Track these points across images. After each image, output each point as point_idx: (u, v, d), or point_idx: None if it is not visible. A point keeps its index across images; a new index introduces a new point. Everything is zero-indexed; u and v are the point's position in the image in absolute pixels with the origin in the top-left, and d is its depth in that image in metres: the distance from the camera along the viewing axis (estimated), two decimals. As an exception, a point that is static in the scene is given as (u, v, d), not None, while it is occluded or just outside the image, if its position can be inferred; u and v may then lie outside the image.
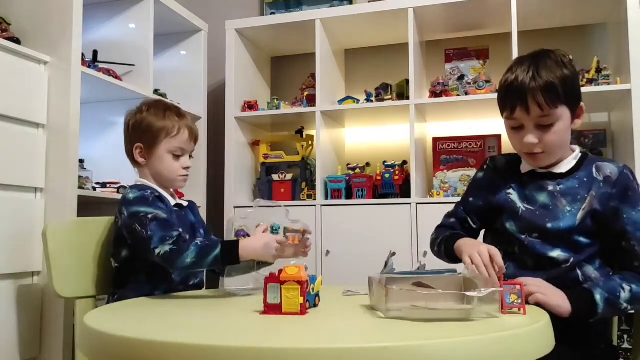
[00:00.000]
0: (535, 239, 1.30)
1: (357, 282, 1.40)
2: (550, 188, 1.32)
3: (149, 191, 1.50)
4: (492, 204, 1.40)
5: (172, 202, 1.57)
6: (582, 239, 1.28)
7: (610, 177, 1.29)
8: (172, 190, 1.62)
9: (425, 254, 2.36)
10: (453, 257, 1.34)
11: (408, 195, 2.51)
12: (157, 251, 1.36)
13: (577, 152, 1.37)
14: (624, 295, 1.19)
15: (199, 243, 1.36)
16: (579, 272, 1.27)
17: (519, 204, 1.34)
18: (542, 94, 1.23)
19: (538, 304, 1.14)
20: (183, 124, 1.56)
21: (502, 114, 1.35)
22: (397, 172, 2.64)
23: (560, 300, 1.17)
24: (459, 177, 2.62)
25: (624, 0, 2.28)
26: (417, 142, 2.55)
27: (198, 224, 1.64)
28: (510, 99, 1.28)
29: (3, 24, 1.99)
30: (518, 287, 1.05)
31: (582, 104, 1.33)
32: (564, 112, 1.27)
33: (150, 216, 1.42)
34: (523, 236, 1.31)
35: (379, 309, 1.04)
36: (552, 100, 1.24)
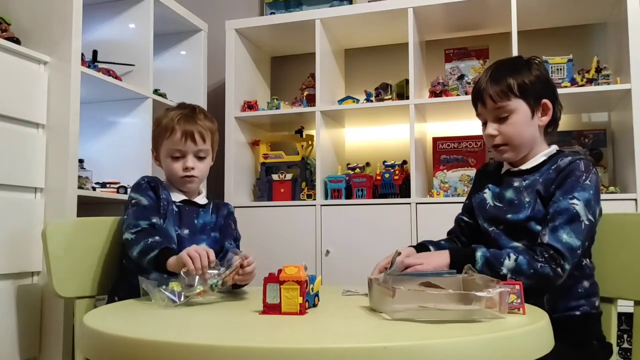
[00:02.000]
0: (501, 230, 1.38)
1: (357, 282, 1.40)
2: (516, 184, 1.40)
3: (146, 179, 1.56)
4: (473, 204, 1.51)
5: (179, 197, 1.58)
6: (538, 227, 1.31)
7: (560, 165, 1.34)
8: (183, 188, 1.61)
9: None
10: None
11: (408, 195, 2.51)
12: (124, 236, 1.45)
13: (551, 149, 1.42)
14: (508, 262, 1.24)
15: (150, 241, 1.39)
16: None
17: (489, 201, 1.44)
18: (494, 87, 1.37)
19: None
20: (178, 126, 1.54)
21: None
22: (397, 172, 2.64)
23: (440, 261, 1.30)
24: (459, 177, 2.62)
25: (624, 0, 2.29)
26: (417, 142, 2.55)
27: (213, 226, 1.61)
28: (473, 98, 1.44)
29: (3, 24, 1.99)
30: (518, 287, 1.05)
31: (545, 101, 1.38)
32: (519, 105, 1.36)
33: (133, 201, 1.50)
34: (490, 229, 1.40)
35: (381, 310, 1.04)
36: (504, 92, 1.36)
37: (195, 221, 1.58)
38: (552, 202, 1.29)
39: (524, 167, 1.41)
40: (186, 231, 1.54)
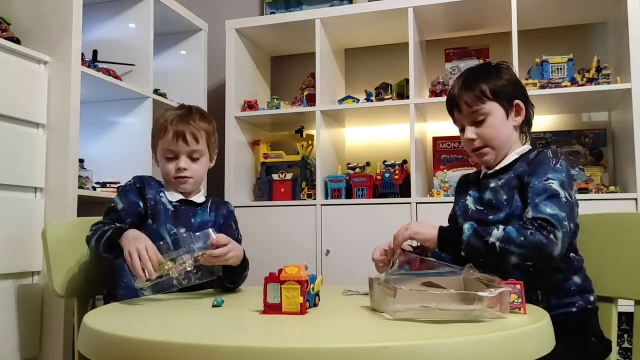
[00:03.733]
0: None
1: (357, 281, 1.40)
2: (492, 185, 1.41)
3: (134, 180, 1.57)
4: (457, 213, 1.53)
5: (176, 197, 1.57)
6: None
7: (529, 157, 1.38)
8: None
9: (429, 253, 2.35)
10: None
11: (408, 195, 2.51)
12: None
13: (524, 147, 1.45)
14: (496, 232, 1.24)
15: (106, 228, 1.42)
16: None
17: (471, 206, 1.47)
18: (467, 93, 1.41)
19: (413, 239, 1.35)
20: (171, 126, 1.54)
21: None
22: (397, 172, 2.64)
23: (427, 231, 1.34)
24: (459, 177, 2.61)
25: (624, -1, 2.29)
26: (417, 141, 2.55)
27: (212, 225, 1.59)
28: (449, 106, 1.48)
29: (3, 24, 1.99)
30: (518, 286, 1.05)
31: (518, 101, 1.43)
32: (493, 107, 1.40)
33: (111, 204, 1.54)
34: None
35: (382, 310, 1.04)
36: (477, 97, 1.40)
37: (192, 220, 1.57)
38: (528, 189, 1.31)
39: (498, 167, 1.43)
40: (182, 230, 1.53)
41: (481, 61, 2.72)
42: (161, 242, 1.38)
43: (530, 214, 1.26)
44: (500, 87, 1.41)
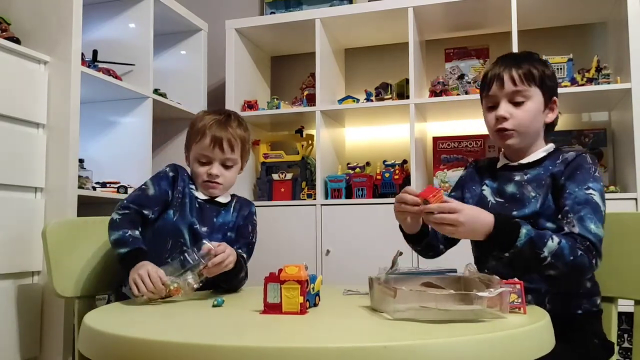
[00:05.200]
0: None
1: (357, 281, 1.40)
2: (518, 178, 1.36)
3: (170, 168, 1.57)
4: (466, 199, 1.44)
5: (202, 196, 1.58)
6: (548, 224, 1.28)
7: (567, 158, 1.33)
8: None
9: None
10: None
11: (408, 195, 2.51)
12: (112, 215, 1.48)
13: (549, 146, 1.40)
14: (550, 244, 1.17)
15: (128, 234, 1.43)
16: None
17: (490, 198, 1.39)
18: (517, 71, 1.33)
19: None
20: (209, 131, 1.53)
21: (482, 102, 1.43)
22: (397, 172, 2.64)
23: (480, 224, 1.17)
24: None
25: (624, -1, 2.29)
26: (417, 141, 2.55)
27: (232, 226, 1.59)
28: (490, 78, 1.38)
29: (3, 24, 1.99)
30: (518, 286, 1.05)
31: (556, 99, 1.39)
32: (536, 93, 1.34)
33: (142, 186, 1.54)
34: None
35: (382, 310, 1.04)
36: (526, 77, 1.33)
37: (215, 220, 1.58)
38: (566, 194, 1.26)
39: (524, 161, 1.38)
40: (204, 229, 1.54)
41: (481, 61, 2.72)
42: (168, 260, 1.38)
43: (576, 229, 1.21)
44: (547, 77, 1.35)
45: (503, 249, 1.19)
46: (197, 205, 1.56)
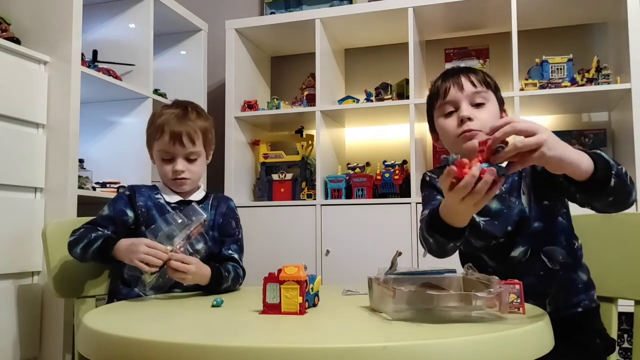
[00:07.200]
0: (499, 243, 1.28)
1: (357, 281, 1.40)
2: (497, 192, 1.22)
3: (124, 190, 1.59)
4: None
5: (174, 198, 1.56)
6: (536, 224, 1.27)
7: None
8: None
9: (425, 253, 2.35)
10: (442, 226, 1.17)
11: (408, 195, 2.51)
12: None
13: None
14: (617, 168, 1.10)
15: (93, 236, 1.42)
16: (544, 257, 1.27)
17: (476, 219, 1.28)
18: (473, 75, 1.32)
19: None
20: (167, 127, 1.51)
21: (433, 112, 1.38)
22: (397, 172, 2.64)
23: (572, 151, 1.07)
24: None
25: (624, -1, 2.29)
26: (417, 141, 2.55)
27: (212, 225, 1.56)
28: (445, 82, 1.34)
29: (3, 24, 1.99)
30: (517, 286, 1.05)
31: (505, 110, 1.38)
32: (493, 98, 1.33)
33: (100, 212, 1.53)
34: (492, 243, 1.29)
35: (382, 310, 1.04)
36: (484, 81, 1.32)
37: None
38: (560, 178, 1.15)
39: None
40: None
41: (481, 61, 2.72)
42: (152, 227, 1.40)
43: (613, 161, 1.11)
44: (498, 88, 1.37)
45: (604, 180, 1.09)
46: (169, 211, 1.51)
